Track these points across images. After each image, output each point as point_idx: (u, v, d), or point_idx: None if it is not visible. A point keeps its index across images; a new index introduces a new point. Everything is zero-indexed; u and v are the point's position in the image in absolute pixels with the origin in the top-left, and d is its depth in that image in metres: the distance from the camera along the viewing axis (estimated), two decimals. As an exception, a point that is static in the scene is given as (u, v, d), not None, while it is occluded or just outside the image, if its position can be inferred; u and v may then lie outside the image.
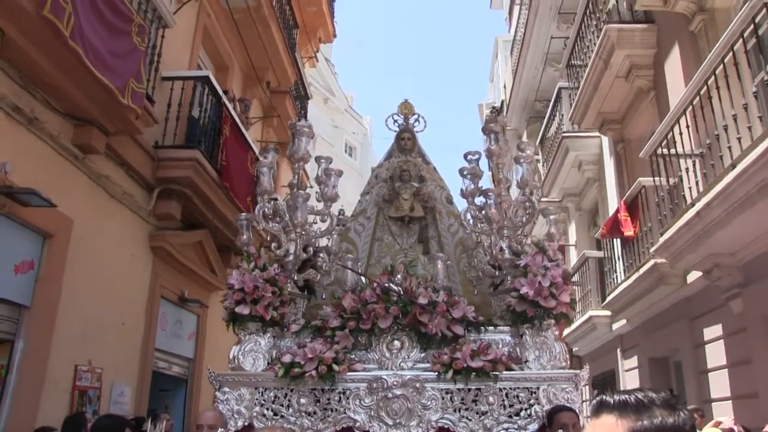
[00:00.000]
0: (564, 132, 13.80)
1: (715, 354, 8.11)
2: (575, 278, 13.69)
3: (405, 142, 6.74)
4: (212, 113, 8.97)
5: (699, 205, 6.55)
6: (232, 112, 9.48)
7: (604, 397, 1.59)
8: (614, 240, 10.71)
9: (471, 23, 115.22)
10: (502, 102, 23.58)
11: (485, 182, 6.08)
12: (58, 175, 6.33)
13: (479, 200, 5.90)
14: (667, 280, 8.71)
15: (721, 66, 6.20)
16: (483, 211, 5.67)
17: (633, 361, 11.45)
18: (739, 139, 5.96)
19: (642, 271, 9.06)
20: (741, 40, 5.85)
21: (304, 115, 16.14)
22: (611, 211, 11.28)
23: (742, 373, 7.41)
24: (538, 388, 4.83)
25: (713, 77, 6.40)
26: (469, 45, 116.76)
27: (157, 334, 8.40)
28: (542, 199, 16.03)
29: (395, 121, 6.82)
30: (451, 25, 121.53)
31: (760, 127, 5.67)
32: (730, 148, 6.16)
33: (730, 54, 6.01)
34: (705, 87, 6.60)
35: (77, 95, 6.15)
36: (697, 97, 6.77)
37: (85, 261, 6.78)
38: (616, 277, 10.74)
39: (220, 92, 9.12)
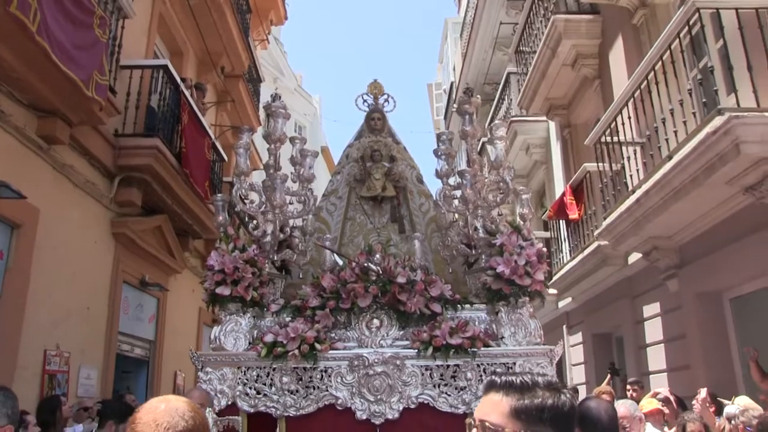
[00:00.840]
0: (512, 116, 14.20)
1: (653, 330, 8.64)
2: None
3: (375, 122, 6.82)
4: (170, 101, 9.09)
5: (639, 193, 6.99)
6: (190, 100, 9.61)
7: (493, 377, 1.71)
8: (560, 221, 11.16)
9: (421, 3, 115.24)
10: (452, 84, 23.90)
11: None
12: (24, 166, 6.45)
13: (453, 180, 6.08)
14: (610, 261, 9.21)
15: (660, 63, 6.61)
16: (458, 191, 5.84)
17: (578, 337, 12.00)
18: (675, 132, 6.39)
19: (586, 252, 9.55)
20: (678, 39, 6.27)
21: (257, 98, 16.28)
22: (558, 194, 11.75)
23: (676, 347, 7.95)
24: (514, 364, 5.00)
25: (653, 72, 6.81)
26: (418, 25, 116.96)
27: (120, 318, 8.58)
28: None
29: (365, 101, 6.87)
30: (401, 4, 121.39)
31: (694, 121, 6.10)
32: (667, 140, 6.59)
33: (668, 53, 6.43)
34: (645, 81, 7.01)
35: (42, 88, 6.27)
36: (638, 91, 7.19)
37: (52, 249, 6.93)
38: (562, 257, 11.21)
39: (178, 80, 9.24)
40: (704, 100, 5.96)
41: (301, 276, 5.92)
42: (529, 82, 12.04)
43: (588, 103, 11.21)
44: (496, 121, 6.85)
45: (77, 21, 6.40)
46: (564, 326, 12.84)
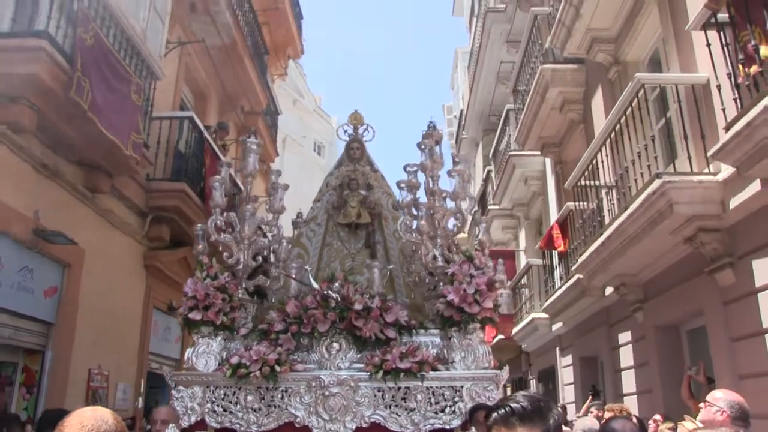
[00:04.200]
0: (511, 150, 15.23)
1: (626, 356, 9.59)
2: (524, 280, 15.23)
3: (354, 151, 7.08)
4: (195, 146, 10.24)
5: (603, 236, 7.98)
6: (213, 145, 10.76)
7: (503, 412, 1.92)
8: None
9: (437, 27, 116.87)
10: (461, 111, 24.96)
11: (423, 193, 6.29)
12: (73, 213, 7.60)
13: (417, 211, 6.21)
14: (589, 292, 10.16)
15: (618, 124, 7.60)
16: (415, 223, 6.02)
17: (568, 359, 12.94)
18: (635, 180, 7.32)
19: (569, 283, 10.55)
20: (631, 107, 7.27)
21: (275, 129, 17.44)
22: (552, 224, 12.74)
23: (643, 372, 8.91)
24: (462, 387, 5.21)
25: (614, 131, 7.80)
26: (434, 47, 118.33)
27: (150, 340, 9.72)
28: (494, 208, 17.60)
29: (345, 131, 7.18)
30: (418, 28, 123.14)
31: (648, 174, 7.03)
32: (636, 180, 7.38)
33: (624, 118, 7.44)
34: (612, 134, 7.96)
35: (89, 149, 7.43)
36: (609, 138, 8.09)
37: (94, 283, 8.08)
38: (554, 284, 12.19)
39: (202, 128, 10.40)
40: (655, 155, 6.95)
41: (274, 300, 6.17)
42: (523, 122, 13.04)
43: (576, 144, 12.12)
44: (457, 157, 7.04)
45: (118, 92, 7.54)
46: (557, 348, 13.78)
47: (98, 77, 6.96)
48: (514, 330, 15.62)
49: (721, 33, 5.78)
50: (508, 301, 16.00)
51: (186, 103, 12.13)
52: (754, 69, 5.19)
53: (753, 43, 5.15)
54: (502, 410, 1.92)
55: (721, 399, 4.24)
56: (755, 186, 5.79)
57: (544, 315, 13.18)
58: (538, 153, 14.06)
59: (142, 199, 9.34)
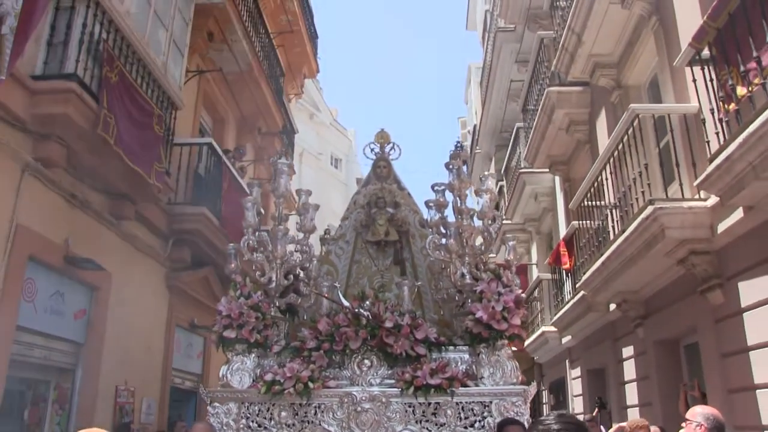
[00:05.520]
0: (521, 168, 15.58)
1: (630, 369, 9.92)
2: (536, 293, 15.55)
3: (381, 169, 7.21)
4: (214, 170, 10.71)
5: (603, 257, 8.33)
6: (231, 168, 11.24)
7: None
8: (561, 266, 12.44)
9: (452, 41, 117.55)
10: (474, 126, 25.33)
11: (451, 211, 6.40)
12: (100, 239, 8.08)
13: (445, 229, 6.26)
14: (594, 308, 10.47)
15: (618, 148, 7.95)
16: (444, 240, 6.13)
17: (577, 371, 13.25)
18: (636, 199, 7.62)
19: (576, 299, 10.89)
20: (626, 135, 7.63)
21: (291, 148, 17.91)
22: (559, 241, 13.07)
23: (644, 386, 9.24)
24: (491, 402, 5.32)
25: (615, 152, 8.13)
26: (449, 61, 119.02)
27: (173, 356, 10.19)
28: (506, 222, 17.94)
29: (372, 149, 7.26)
30: (433, 42, 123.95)
31: (642, 200, 7.35)
32: (637, 199, 7.57)
33: (621, 144, 7.81)
34: (611, 159, 8.30)
35: (115, 179, 7.91)
36: (609, 161, 8.42)
37: (120, 304, 8.55)
38: (563, 298, 12.51)
39: (220, 152, 10.87)
40: (648, 182, 7.29)
41: (305, 317, 6.33)
42: (531, 141, 13.40)
43: (583, 163, 12.39)
44: (486, 172, 7.22)
45: (141, 124, 8.01)
46: (567, 360, 14.09)
47: (122, 112, 7.43)
48: (527, 342, 15.94)
49: (705, 70, 6.15)
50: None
51: (205, 127, 12.64)
52: (732, 107, 5.57)
53: (730, 83, 5.53)
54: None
55: (698, 414, 4.63)
56: (739, 213, 6.15)
57: (554, 328, 13.51)
58: (547, 170, 14.40)
59: (165, 223, 9.81)
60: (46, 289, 7.20)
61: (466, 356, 5.79)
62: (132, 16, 8.10)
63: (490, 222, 6.21)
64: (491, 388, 5.44)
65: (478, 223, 6.30)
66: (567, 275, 12.17)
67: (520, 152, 15.88)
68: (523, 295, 5.94)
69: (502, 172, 19.15)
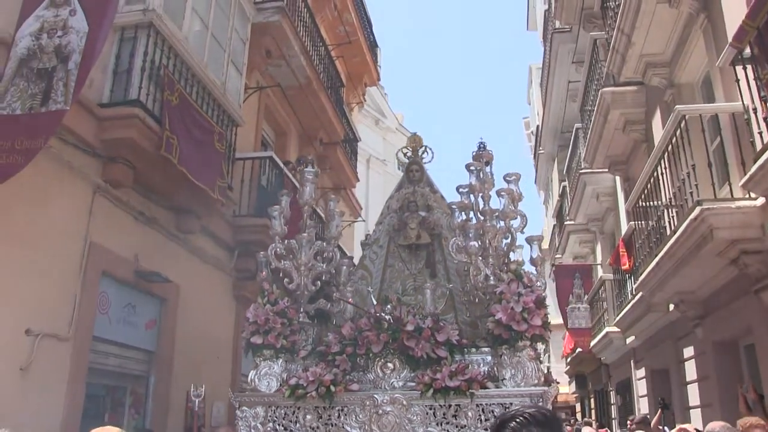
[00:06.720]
0: (581, 169, 15.56)
1: (691, 369, 9.88)
2: (601, 293, 15.49)
3: (413, 173, 7.35)
4: (275, 182, 11.11)
5: (657, 258, 8.34)
6: (293, 179, 11.61)
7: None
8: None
9: (513, 41, 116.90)
10: (537, 127, 25.27)
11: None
12: (168, 253, 8.54)
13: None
14: (653, 309, 10.47)
15: (667, 151, 7.98)
16: (465, 242, 6.17)
17: (642, 372, 13.19)
18: (681, 205, 7.65)
19: (635, 299, 10.88)
20: (675, 137, 7.65)
21: (354, 156, 18.25)
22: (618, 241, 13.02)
23: (705, 386, 9.19)
24: (511, 404, 5.27)
25: (665, 154, 8.15)
26: (511, 61, 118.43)
27: (242, 362, 10.61)
28: (569, 223, 17.89)
29: (405, 154, 7.43)
30: (495, 43, 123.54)
31: (691, 200, 7.34)
32: (686, 200, 7.56)
33: (670, 146, 7.83)
34: (663, 158, 8.26)
35: (181, 196, 8.36)
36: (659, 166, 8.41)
37: (189, 313, 9.00)
38: (625, 297, 12.48)
39: (281, 165, 11.27)
40: (696, 182, 7.29)
41: (334, 322, 6.48)
42: (590, 142, 13.40)
43: (641, 162, 12.21)
44: (510, 172, 6.68)
45: (203, 143, 8.43)
46: (632, 361, 14.03)
47: (184, 133, 7.86)
48: (592, 342, 15.89)
49: (748, 69, 6.16)
50: (586, 315, 16.26)
51: (267, 139, 13.09)
52: (773, 106, 5.59)
53: (771, 82, 5.55)
54: (520, 418, 1.91)
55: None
56: (788, 211, 6.14)
57: (617, 329, 13.47)
58: (606, 170, 14.35)
59: (229, 235, 10.25)
60: (119, 301, 7.68)
61: (489, 358, 5.85)
62: (190, 41, 8.52)
63: (512, 222, 6.27)
64: (511, 389, 5.47)
65: (500, 224, 6.35)
66: (628, 276, 12.13)
67: (580, 153, 15.85)
68: (545, 294, 5.87)
69: (564, 172, 19.11)
